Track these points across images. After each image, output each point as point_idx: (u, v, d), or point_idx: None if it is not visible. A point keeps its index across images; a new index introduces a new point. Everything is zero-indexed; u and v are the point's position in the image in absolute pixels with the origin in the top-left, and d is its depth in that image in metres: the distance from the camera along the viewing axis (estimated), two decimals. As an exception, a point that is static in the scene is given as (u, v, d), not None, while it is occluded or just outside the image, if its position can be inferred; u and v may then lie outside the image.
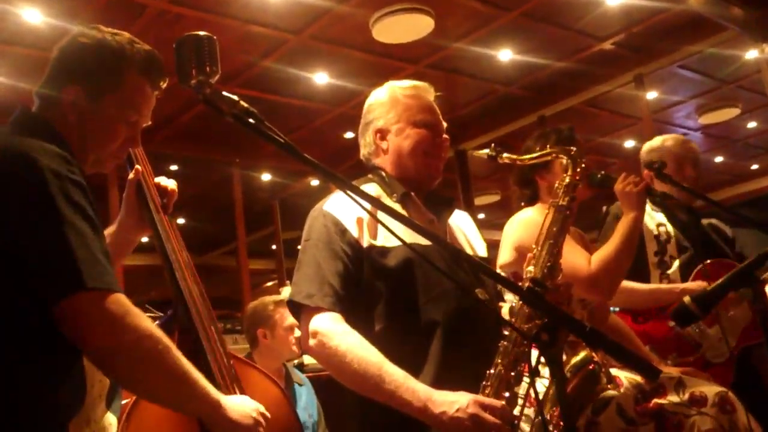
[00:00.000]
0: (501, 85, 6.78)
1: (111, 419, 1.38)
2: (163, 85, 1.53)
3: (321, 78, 6.18)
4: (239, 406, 1.39)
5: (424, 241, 1.64)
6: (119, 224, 1.74)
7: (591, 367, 1.66)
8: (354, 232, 1.68)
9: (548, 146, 2.06)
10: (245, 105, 1.36)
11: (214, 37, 1.70)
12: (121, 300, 1.22)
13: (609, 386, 1.80)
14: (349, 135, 7.66)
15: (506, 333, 1.59)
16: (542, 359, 1.14)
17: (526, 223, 2.20)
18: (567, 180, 1.84)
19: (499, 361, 1.54)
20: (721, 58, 6.33)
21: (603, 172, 2.25)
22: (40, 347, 1.20)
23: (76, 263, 1.17)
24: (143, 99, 1.48)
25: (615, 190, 2.21)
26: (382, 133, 1.86)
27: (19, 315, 1.19)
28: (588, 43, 6.11)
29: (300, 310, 1.66)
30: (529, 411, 1.59)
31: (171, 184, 1.76)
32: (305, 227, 1.78)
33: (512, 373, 1.53)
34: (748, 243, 3.00)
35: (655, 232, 2.73)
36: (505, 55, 6.11)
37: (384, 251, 1.65)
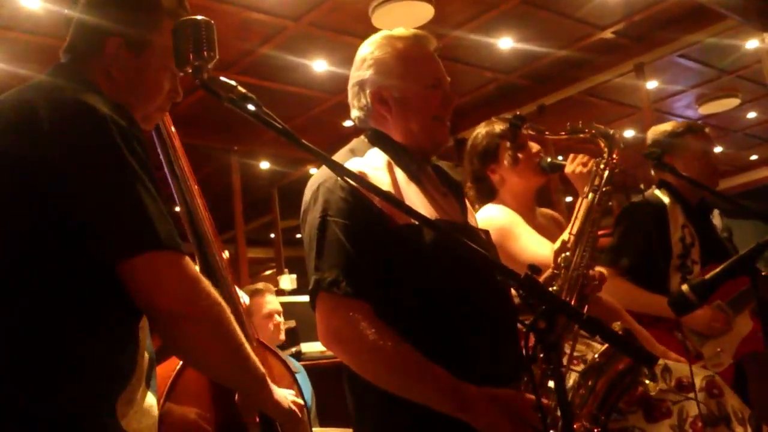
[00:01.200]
0: (501, 73, 6.77)
1: (150, 399, 1.37)
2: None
3: (320, 65, 6.16)
4: (282, 392, 1.40)
5: (447, 216, 1.57)
6: None
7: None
8: (380, 205, 1.45)
9: (589, 131, 1.95)
10: (243, 90, 1.34)
11: (212, 22, 1.69)
12: (191, 264, 1.18)
13: (649, 382, 1.75)
14: (348, 123, 7.63)
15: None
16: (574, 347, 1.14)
17: (485, 223, 2.15)
18: (603, 164, 1.81)
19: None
20: (722, 47, 6.31)
21: (550, 159, 2.21)
22: (96, 312, 1.14)
23: (151, 221, 1.12)
24: None
25: (566, 173, 2.17)
26: (382, 96, 1.61)
27: (78, 275, 1.12)
28: (588, 32, 6.09)
29: (319, 298, 1.45)
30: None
31: None
32: (314, 199, 1.53)
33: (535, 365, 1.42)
34: (748, 233, 3.00)
35: (681, 234, 2.69)
36: (505, 43, 6.09)
37: (416, 229, 1.45)
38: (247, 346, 1.25)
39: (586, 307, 1.67)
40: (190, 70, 1.59)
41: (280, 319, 3.44)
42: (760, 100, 7.79)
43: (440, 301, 1.49)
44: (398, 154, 1.60)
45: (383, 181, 1.50)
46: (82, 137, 1.15)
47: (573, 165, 2.14)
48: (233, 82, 1.37)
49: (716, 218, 2.94)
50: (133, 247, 1.11)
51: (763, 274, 1.82)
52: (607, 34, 6.13)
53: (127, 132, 1.17)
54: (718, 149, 9.74)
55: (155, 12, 1.37)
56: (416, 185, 1.58)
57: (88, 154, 1.14)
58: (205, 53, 1.70)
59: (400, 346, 1.40)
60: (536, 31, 5.94)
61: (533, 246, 2.11)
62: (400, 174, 1.57)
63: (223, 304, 1.20)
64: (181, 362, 1.51)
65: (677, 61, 6.69)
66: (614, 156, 1.85)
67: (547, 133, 1.98)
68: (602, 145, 1.87)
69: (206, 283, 1.18)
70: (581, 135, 1.95)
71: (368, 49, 1.67)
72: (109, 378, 1.18)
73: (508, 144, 2.25)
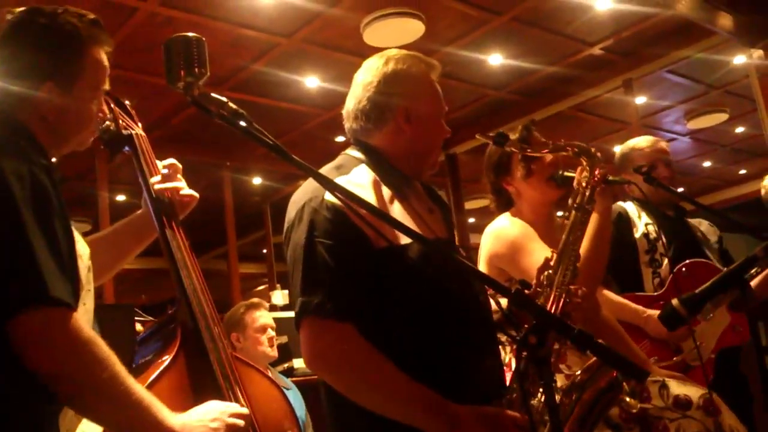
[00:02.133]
0: (491, 89, 6.80)
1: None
2: (111, 49, 1.48)
3: (312, 81, 6.18)
4: (197, 421, 1.32)
5: (428, 234, 1.57)
6: (140, 215, 1.72)
7: (614, 374, 1.60)
8: (364, 227, 1.46)
9: (571, 149, 1.99)
10: (234, 106, 1.35)
11: (203, 39, 1.70)
12: (75, 322, 1.16)
13: (630, 399, 1.75)
14: (339, 139, 7.65)
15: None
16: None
17: (496, 236, 2.21)
18: (586, 183, 1.82)
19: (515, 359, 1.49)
20: (710, 63, 6.36)
21: (562, 172, 2.23)
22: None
23: (39, 274, 1.12)
24: (104, 70, 1.45)
25: (573, 186, 2.20)
26: (409, 115, 1.64)
27: None
28: (577, 48, 6.14)
29: (303, 321, 1.46)
30: None
31: (169, 181, 1.71)
32: (299, 218, 1.55)
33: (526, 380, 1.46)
34: (737, 248, 3.03)
35: (644, 231, 2.75)
36: (495, 59, 6.13)
37: (398, 250, 1.46)
38: (144, 401, 1.22)
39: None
40: (182, 87, 1.60)
41: (273, 333, 3.44)
42: (747, 115, 7.83)
43: (424, 320, 1.50)
44: (387, 170, 1.62)
45: (368, 199, 1.50)
46: None
47: (579, 177, 2.15)
48: (224, 99, 1.38)
49: (704, 226, 2.98)
50: (14, 306, 1.11)
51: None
52: (596, 51, 6.18)
53: (30, 180, 1.16)
54: (706, 164, 9.81)
55: (76, 44, 1.39)
56: (402, 202, 1.59)
57: None
58: (196, 70, 1.71)
59: (386, 367, 1.41)
60: (526, 47, 5.98)
61: (542, 257, 2.11)
62: (386, 191, 1.59)
63: (112, 362, 1.18)
64: (151, 376, 1.49)
65: (666, 76, 6.74)
66: (596, 174, 1.86)
67: (528, 150, 1.99)
68: (584, 162, 1.88)
69: (89, 340, 1.17)
70: (563, 153, 1.96)
71: (401, 65, 1.68)
72: (45, 396, 1.18)
73: (520, 156, 2.26)
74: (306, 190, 1.59)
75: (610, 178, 2.04)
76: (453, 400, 1.42)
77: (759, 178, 10.35)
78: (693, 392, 2.02)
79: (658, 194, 2.75)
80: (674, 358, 2.55)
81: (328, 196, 1.51)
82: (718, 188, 10.80)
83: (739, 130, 8.60)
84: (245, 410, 1.43)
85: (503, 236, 2.16)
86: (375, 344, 1.44)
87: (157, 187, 1.70)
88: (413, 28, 5.31)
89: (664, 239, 2.70)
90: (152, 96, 5.58)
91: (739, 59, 6.16)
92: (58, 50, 1.38)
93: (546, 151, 1.95)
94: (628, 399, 1.72)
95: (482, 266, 2.19)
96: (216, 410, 1.37)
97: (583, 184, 1.82)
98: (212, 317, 1.59)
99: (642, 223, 2.78)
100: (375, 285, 1.47)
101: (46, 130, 1.35)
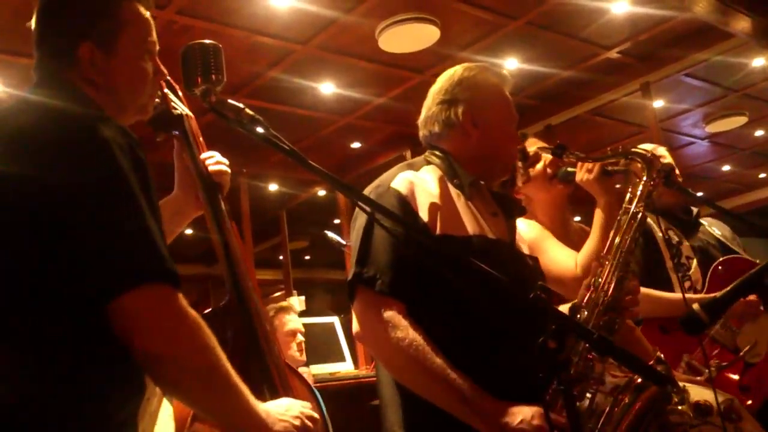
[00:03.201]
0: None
1: (169, 409, 1.35)
2: (153, 2, 1.41)
3: (327, 88, 6.20)
4: (283, 414, 1.29)
5: (489, 234, 1.63)
6: (173, 199, 1.67)
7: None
8: (425, 216, 1.56)
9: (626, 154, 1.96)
10: (251, 112, 1.36)
11: (220, 46, 1.71)
12: (182, 301, 1.10)
13: (681, 407, 1.72)
14: (355, 145, 7.67)
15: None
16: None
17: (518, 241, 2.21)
18: (641, 186, 1.79)
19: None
20: (728, 66, 6.31)
21: (564, 168, 2.22)
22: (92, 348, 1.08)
23: (151, 249, 1.06)
24: (147, 23, 1.36)
25: (577, 181, 2.19)
26: (475, 118, 1.73)
27: (70, 311, 1.06)
28: (594, 52, 6.11)
29: (357, 292, 1.54)
30: None
31: (221, 162, 1.68)
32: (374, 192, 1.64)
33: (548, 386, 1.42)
34: (756, 252, 2.98)
35: (666, 236, 2.71)
36: (511, 63, 6.12)
37: (453, 240, 1.55)
38: (241, 389, 1.18)
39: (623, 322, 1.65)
40: (199, 93, 1.61)
41: (301, 338, 3.42)
42: (767, 118, 7.76)
43: (472, 311, 1.53)
44: (455, 171, 1.70)
45: (432, 192, 1.60)
46: (82, 159, 1.09)
47: (581, 173, 2.15)
48: (241, 105, 1.38)
49: (719, 228, 2.92)
50: (129, 280, 1.05)
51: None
52: (613, 54, 6.15)
53: (127, 152, 1.11)
54: (725, 167, 9.72)
55: (115, 3, 1.30)
56: (467, 202, 1.66)
57: (86, 181, 1.08)
58: (214, 76, 1.72)
59: (426, 348, 1.45)
60: (541, 51, 5.96)
61: (561, 259, 2.11)
62: (452, 189, 1.67)
63: (214, 346, 1.13)
64: None
65: (684, 79, 6.70)
66: (653, 177, 1.83)
67: (587, 159, 1.99)
68: (639, 167, 1.86)
69: (196, 323, 1.11)
70: (622, 158, 1.95)
71: (468, 73, 1.79)
72: (124, 395, 1.14)
73: (519, 164, 2.29)
74: (381, 178, 1.68)
75: (610, 168, 2.03)
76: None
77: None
78: (713, 398, 1.99)
79: (670, 197, 2.72)
80: (733, 357, 2.49)
81: (395, 184, 1.60)
82: (737, 192, 10.69)
83: (759, 133, 8.52)
84: (316, 414, 1.40)
85: (520, 239, 2.16)
86: (422, 326, 1.49)
87: (212, 167, 1.66)
88: (428, 34, 5.31)
89: (686, 242, 2.67)
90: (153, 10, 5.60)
91: (758, 62, 6.10)
92: (92, 8, 1.29)
93: (604, 156, 1.94)
94: (680, 407, 1.71)
95: None
96: (295, 407, 1.34)
97: (639, 189, 1.79)
98: (265, 316, 1.55)
99: (663, 228, 2.74)
100: (429, 270, 1.52)
101: (103, 96, 1.27)
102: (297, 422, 1.30)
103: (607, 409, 1.51)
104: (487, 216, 1.69)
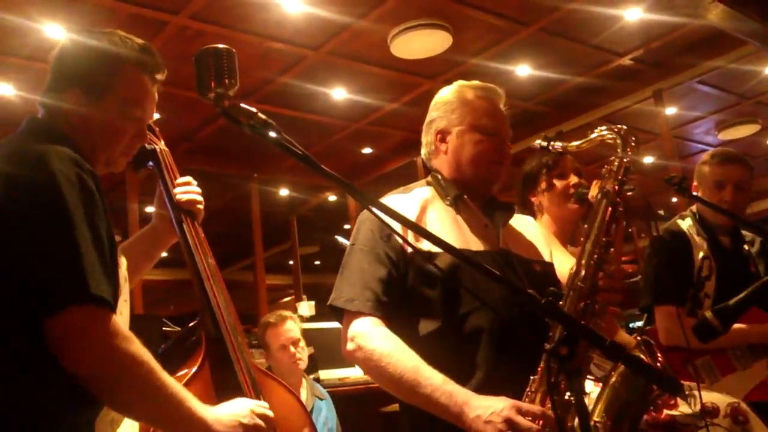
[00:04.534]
0: (519, 100, 6.78)
1: None
2: (161, 78, 1.52)
3: (339, 93, 6.22)
4: (228, 415, 1.35)
5: (474, 247, 1.66)
6: (151, 227, 1.78)
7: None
8: (399, 238, 1.62)
9: (596, 130, 1.94)
10: (263, 117, 1.36)
11: (233, 50, 1.71)
12: (113, 322, 1.18)
13: (669, 399, 1.71)
14: (366, 150, 7.68)
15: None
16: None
17: None
18: (615, 162, 1.76)
19: (543, 365, 1.46)
20: (741, 73, 6.29)
21: (581, 189, 2.23)
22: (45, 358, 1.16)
23: (80, 272, 1.14)
24: (144, 93, 1.48)
25: (589, 198, 2.18)
26: (443, 135, 1.79)
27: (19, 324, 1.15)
28: (606, 59, 6.10)
29: (341, 315, 1.64)
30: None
31: (193, 190, 1.77)
32: (353, 230, 1.75)
33: (559, 378, 1.43)
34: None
35: (699, 265, 2.65)
36: (523, 70, 6.12)
37: (430, 256, 1.57)
38: (177, 396, 1.24)
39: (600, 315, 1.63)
40: (212, 98, 1.62)
41: (293, 349, 3.39)
42: (781, 126, 7.72)
43: (448, 324, 1.58)
44: (444, 189, 1.75)
45: (409, 213, 1.65)
46: (26, 190, 1.19)
47: (595, 191, 2.15)
48: (254, 109, 1.39)
49: (756, 241, 2.82)
50: (57, 302, 1.13)
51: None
52: (626, 61, 6.14)
53: (75, 183, 1.20)
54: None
55: (111, 59, 1.43)
56: (454, 218, 1.71)
57: (28, 207, 1.18)
58: (227, 81, 1.73)
59: (398, 353, 1.52)
60: (554, 58, 5.96)
61: (564, 268, 2.10)
62: (439, 207, 1.72)
63: (144, 360, 1.20)
64: (187, 375, 1.54)
65: (696, 87, 6.67)
66: (627, 151, 1.80)
67: (569, 147, 1.96)
68: (612, 142, 1.82)
69: (123, 341, 1.18)
70: (595, 137, 1.90)
71: (440, 95, 1.84)
72: (82, 403, 1.20)
73: (544, 171, 2.34)
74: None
75: (626, 188, 1.99)
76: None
77: (791, 190, 10.08)
78: (721, 400, 1.98)
79: (718, 216, 2.66)
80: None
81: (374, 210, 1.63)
82: (750, 200, 10.61)
83: (772, 140, 8.48)
84: (270, 412, 1.46)
85: (538, 238, 2.15)
86: (407, 338, 1.55)
87: (180, 197, 1.74)
88: (441, 40, 5.32)
89: (714, 280, 2.61)
90: (182, 109, 5.66)
91: (772, 69, 6.07)
92: (91, 61, 1.42)
93: (581, 140, 1.91)
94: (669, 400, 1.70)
95: None
96: (246, 406, 1.41)
97: (614, 164, 1.77)
98: (236, 327, 1.62)
99: (701, 257, 2.67)
100: (407, 287, 1.61)
101: (80, 139, 1.39)
102: (246, 420, 1.36)
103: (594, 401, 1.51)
104: (476, 228, 1.71)
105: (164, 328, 3.46)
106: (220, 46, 1.77)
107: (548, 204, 2.35)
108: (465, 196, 1.73)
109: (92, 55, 1.43)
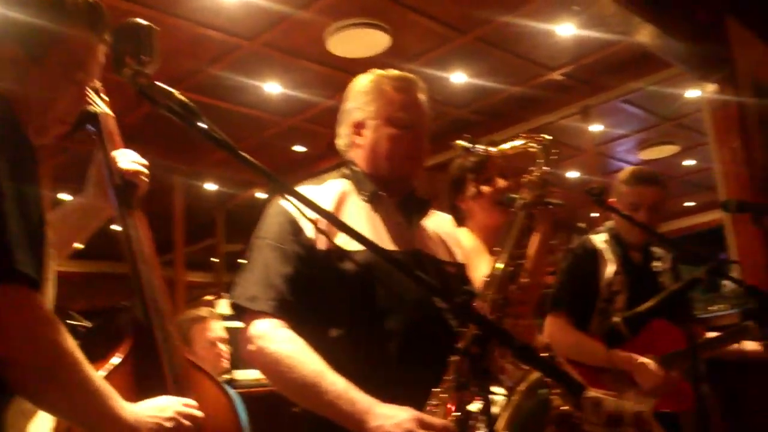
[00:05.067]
0: (454, 107, 6.84)
1: None
2: (109, 40, 1.42)
3: (273, 87, 6.11)
4: (155, 415, 1.28)
5: (388, 246, 1.59)
6: (84, 198, 1.64)
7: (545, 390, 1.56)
8: (310, 232, 1.55)
9: (519, 136, 1.94)
10: (182, 97, 1.31)
11: (155, 27, 1.64)
12: (38, 302, 1.09)
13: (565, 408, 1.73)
14: (299, 148, 7.59)
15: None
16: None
17: None
18: (535, 174, 1.77)
19: (449, 377, 1.43)
20: (665, 95, 6.51)
21: (510, 195, 2.18)
22: None
23: (7, 247, 1.04)
24: (88, 53, 1.38)
25: (515, 207, 2.21)
26: (359, 127, 1.71)
27: None
28: (539, 72, 6.22)
29: (242, 313, 1.55)
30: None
31: (136, 162, 1.64)
32: (261, 222, 1.64)
33: (465, 391, 1.39)
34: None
35: (610, 279, 2.72)
36: (459, 77, 6.17)
37: (342, 255, 1.51)
38: (99, 390, 1.16)
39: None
40: (127, 74, 1.54)
41: (222, 347, 3.29)
42: (697, 148, 8.04)
43: (359, 325, 1.52)
44: (361, 183, 1.68)
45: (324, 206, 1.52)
46: None
47: (519, 199, 2.14)
48: (172, 90, 1.33)
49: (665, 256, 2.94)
50: None
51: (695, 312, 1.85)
52: (557, 76, 6.28)
53: (8, 144, 1.11)
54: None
55: (60, 21, 1.32)
56: (369, 214, 1.64)
57: None
58: (144, 58, 1.65)
59: (299, 357, 1.45)
60: (488, 67, 6.04)
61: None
62: (354, 202, 1.64)
63: (66, 347, 1.11)
64: (107, 366, 1.43)
65: (622, 106, 6.89)
66: (549, 160, 1.82)
67: (492, 150, 1.96)
68: (535, 151, 1.84)
69: (46, 324, 1.10)
70: (519, 144, 1.91)
71: (359, 83, 1.77)
72: None
73: (471, 176, 2.32)
74: (275, 201, 1.66)
75: (547, 200, 2.02)
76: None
77: (704, 211, 10.55)
78: (626, 409, 2.02)
79: (632, 234, 2.74)
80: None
81: (282, 202, 1.59)
82: (664, 219, 10.97)
83: (688, 162, 8.82)
84: (198, 412, 1.37)
85: (457, 243, 2.15)
86: (312, 341, 1.48)
87: (125, 166, 1.62)
88: (378, 41, 5.31)
89: (624, 296, 2.69)
90: (104, 93, 5.45)
91: (692, 93, 6.32)
92: (32, 14, 1.31)
93: (501, 144, 1.92)
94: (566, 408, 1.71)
95: None
96: (171, 406, 1.33)
97: (533, 176, 1.77)
98: (168, 316, 1.52)
99: (610, 269, 2.75)
100: (317, 285, 1.53)
101: (14, 100, 1.27)
102: (169, 424, 1.28)
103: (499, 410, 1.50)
104: (392, 226, 1.65)
105: (70, 322, 3.30)
106: (141, 20, 1.69)
107: (477, 210, 2.34)
108: (382, 193, 1.66)
109: (36, 9, 1.32)
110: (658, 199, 2.78)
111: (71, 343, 1.12)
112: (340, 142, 1.76)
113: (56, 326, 1.11)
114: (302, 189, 1.53)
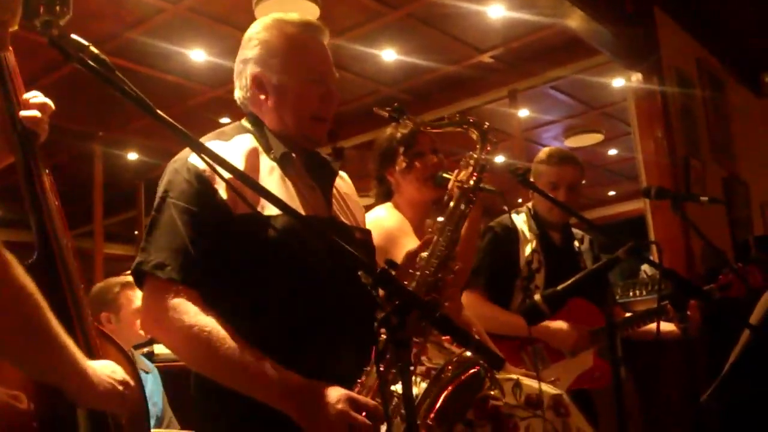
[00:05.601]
0: (383, 85, 6.81)
1: None
2: None
3: (198, 55, 5.92)
4: (109, 375, 1.23)
5: (303, 212, 1.49)
6: None
7: (476, 369, 1.57)
8: (224, 193, 1.42)
9: (458, 117, 1.92)
10: (96, 51, 1.26)
11: (70, -23, 1.55)
12: None
13: (493, 392, 1.73)
14: (225, 120, 7.40)
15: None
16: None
17: (372, 226, 2.14)
18: (474, 158, 1.75)
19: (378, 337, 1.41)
20: (591, 83, 6.66)
21: (441, 173, 2.19)
22: None
23: None
24: None
25: (448, 188, 2.21)
26: (260, 82, 1.57)
27: None
28: (469, 54, 6.24)
29: (145, 281, 1.42)
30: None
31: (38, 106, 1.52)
32: (163, 178, 1.50)
33: (393, 370, 1.36)
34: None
35: (529, 258, 2.76)
36: (389, 55, 6.13)
37: (261, 220, 1.41)
38: (61, 341, 1.10)
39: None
40: (39, 25, 1.45)
41: None
42: (621, 138, 8.27)
43: (281, 294, 1.43)
44: (268, 142, 1.55)
45: (239, 167, 1.43)
46: None
47: (453, 182, 2.13)
48: (86, 42, 1.27)
49: (585, 239, 3.02)
50: None
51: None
52: (486, 58, 6.31)
53: None
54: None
55: None
56: (281, 176, 1.53)
57: None
58: (57, 8, 1.56)
59: (218, 332, 1.34)
60: (419, 45, 6.01)
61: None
62: (264, 163, 1.52)
63: (29, 294, 1.04)
64: None
65: (549, 92, 7.00)
66: (487, 149, 1.83)
67: (423, 125, 1.94)
68: (474, 137, 1.84)
69: (6, 263, 1.01)
70: (456, 127, 1.92)
71: (257, 28, 1.61)
72: None
73: (401, 149, 2.27)
74: (179, 155, 1.54)
75: (483, 185, 2.02)
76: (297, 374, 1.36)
77: (627, 200, 10.89)
78: (545, 392, 2.06)
79: (552, 213, 2.79)
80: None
81: (192, 159, 1.48)
82: (586, 207, 11.36)
83: (612, 152, 9.09)
84: (131, 381, 1.32)
85: (379, 226, 2.13)
86: (222, 313, 1.38)
87: (23, 113, 1.51)
88: (307, 11, 5.16)
89: (544, 273, 2.74)
90: (20, 53, 5.14)
91: (618, 82, 6.48)
92: None
93: (438, 123, 1.90)
94: (492, 392, 1.73)
95: None
96: (118, 370, 1.27)
97: (472, 161, 1.77)
98: (77, 281, 1.43)
99: (529, 247, 2.79)
100: (228, 253, 1.42)
101: None
102: (120, 387, 1.25)
103: (422, 392, 1.49)
104: (304, 190, 1.56)
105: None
106: (55, -30, 1.59)
107: (405, 184, 2.30)
108: (293, 154, 1.55)
109: None
110: (576, 179, 2.86)
111: (34, 291, 1.05)
112: (238, 94, 1.62)
113: (16, 273, 1.03)
114: (211, 145, 1.44)
